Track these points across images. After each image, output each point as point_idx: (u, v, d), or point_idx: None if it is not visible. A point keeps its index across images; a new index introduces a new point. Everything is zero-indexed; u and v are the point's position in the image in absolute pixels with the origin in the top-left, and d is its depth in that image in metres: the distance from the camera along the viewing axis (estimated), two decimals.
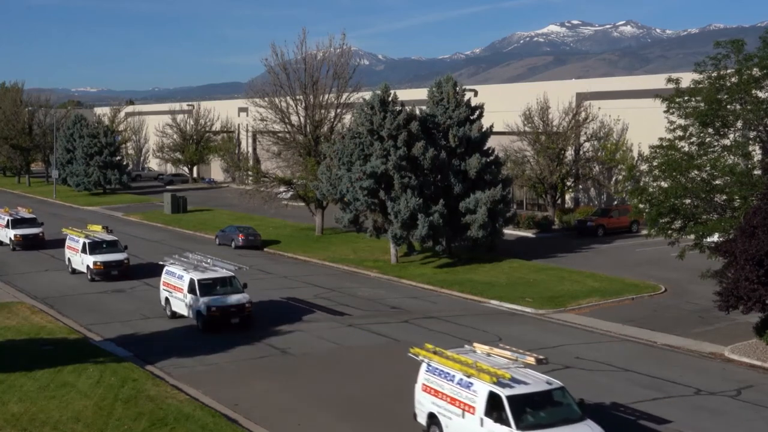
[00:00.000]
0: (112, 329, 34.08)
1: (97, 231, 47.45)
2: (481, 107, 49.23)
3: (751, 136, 35.82)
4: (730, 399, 25.05)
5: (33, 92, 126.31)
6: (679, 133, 35.83)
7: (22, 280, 44.76)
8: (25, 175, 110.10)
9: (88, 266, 44.19)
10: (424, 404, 21.97)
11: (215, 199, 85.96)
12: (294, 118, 60.88)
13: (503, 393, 19.40)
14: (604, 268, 45.10)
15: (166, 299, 36.04)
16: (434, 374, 21.71)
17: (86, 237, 45.50)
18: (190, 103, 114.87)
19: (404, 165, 45.24)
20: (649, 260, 47.10)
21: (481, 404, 19.85)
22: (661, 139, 36.48)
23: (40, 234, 55.53)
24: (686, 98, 35.90)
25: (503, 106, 63.28)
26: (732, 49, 34.97)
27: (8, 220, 56.02)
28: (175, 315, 35.36)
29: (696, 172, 34.79)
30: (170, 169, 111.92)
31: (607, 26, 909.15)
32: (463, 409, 20.38)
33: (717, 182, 34.36)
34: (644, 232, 42.86)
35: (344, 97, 60.36)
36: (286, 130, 61.71)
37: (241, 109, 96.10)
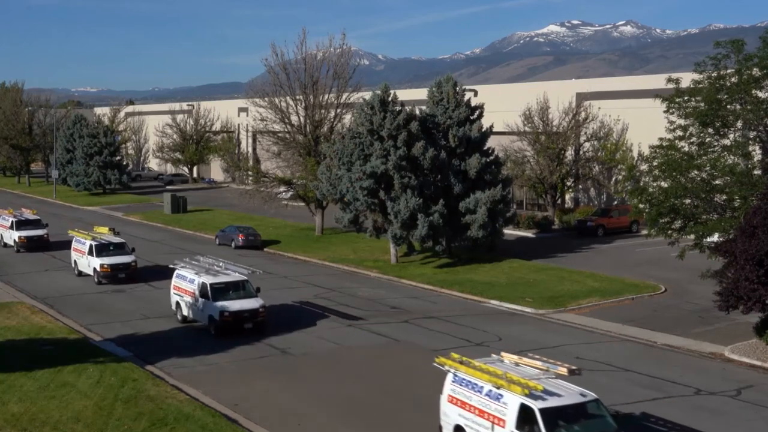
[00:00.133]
0: (112, 329, 34.07)
1: (104, 233, 46.77)
2: (481, 107, 49.24)
3: (751, 136, 35.82)
4: (730, 399, 25.05)
5: (33, 92, 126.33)
6: (679, 133, 35.84)
7: (22, 280, 44.75)
8: (25, 175, 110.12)
9: (94, 269, 43.41)
10: (450, 416, 21.08)
11: (215, 199, 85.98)
12: (294, 118, 60.90)
13: (536, 405, 18.52)
14: (604, 268, 45.11)
15: (177, 303, 35.27)
16: (461, 385, 20.74)
17: (93, 239, 44.74)
18: (190, 103, 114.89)
19: (404, 165, 45.24)
20: (649, 260, 47.11)
21: (511, 417, 18.94)
22: (661, 139, 36.48)
23: (45, 235, 54.70)
24: (686, 98, 35.90)
25: (503, 106, 63.29)
26: (732, 49, 34.98)
27: (12, 221, 55.29)
28: (186, 319, 34.62)
29: (696, 172, 34.80)
30: (170, 169, 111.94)
31: (607, 26, 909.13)
32: (493, 422, 19.51)
33: (717, 182, 34.36)
34: (644, 232, 42.86)
35: (344, 97, 60.38)
36: (286, 130, 61.73)
37: (241, 109, 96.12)
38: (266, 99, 61.02)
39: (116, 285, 42.87)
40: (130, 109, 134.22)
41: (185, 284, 34.70)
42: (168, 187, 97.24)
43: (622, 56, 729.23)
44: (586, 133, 62.55)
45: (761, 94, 34.85)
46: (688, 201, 34.91)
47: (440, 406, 21.44)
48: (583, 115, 62.10)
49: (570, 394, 19.29)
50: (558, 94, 62.76)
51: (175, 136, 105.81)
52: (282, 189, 65.51)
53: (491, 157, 48.78)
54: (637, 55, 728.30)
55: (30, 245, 54.00)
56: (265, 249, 55.15)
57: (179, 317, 35.09)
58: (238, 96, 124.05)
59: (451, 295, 40.82)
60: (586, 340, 32.06)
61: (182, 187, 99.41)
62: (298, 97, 60.70)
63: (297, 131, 60.91)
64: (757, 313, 29.43)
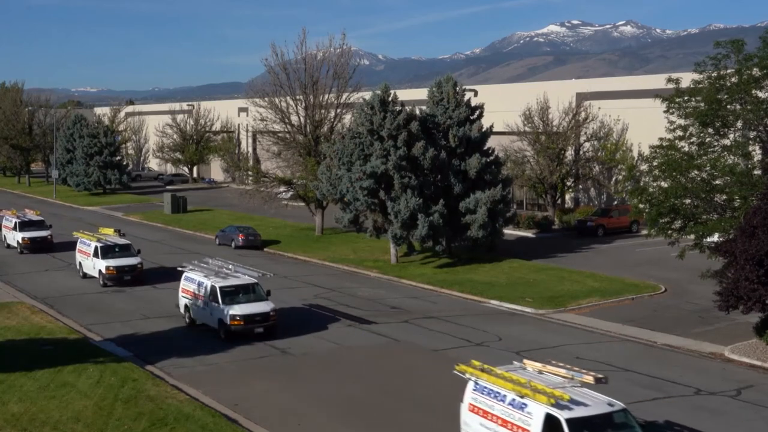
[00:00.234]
0: (112, 329, 34.07)
1: (110, 234, 46.00)
2: (481, 107, 49.24)
3: (751, 136, 35.82)
4: (730, 399, 25.05)
5: (33, 92, 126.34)
6: (679, 133, 35.84)
7: (22, 280, 44.74)
8: (25, 175, 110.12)
9: (100, 271, 42.81)
10: (471, 426, 20.45)
11: (215, 199, 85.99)
12: (294, 118, 60.90)
13: (562, 416, 17.77)
14: (604, 268, 45.11)
15: (186, 307, 34.57)
16: (482, 393, 20.03)
17: (98, 240, 44.00)
18: (190, 103, 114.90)
19: (404, 165, 45.25)
20: (649, 260, 47.11)
21: (536, 427, 18.26)
22: (661, 139, 36.48)
23: (49, 237, 54.02)
24: (686, 98, 35.90)
25: (503, 106, 63.29)
26: (732, 49, 34.98)
27: (16, 222, 54.57)
28: (194, 323, 34.00)
29: (696, 172, 34.80)
30: (170, 169, 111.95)
31: (607, 26, 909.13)
32: None
33: (717, 182, 34.36)
34: (644, 232, 42.86)
35: (344, 97, 60.38)
36: (286, 130, 61.73)
37: (241, 109, 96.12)
38: (266, 99, 61.02)
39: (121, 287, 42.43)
40: (130, 109, 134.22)
41: (194, 287, 33.97)
42: (168, 187, 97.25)
43: (622, 56, 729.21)
44: (586, 133, 62.55)
45: (761, 94, 34.85)
46: (688, 201, 34.91)
47: (461, 415, 20.72)
48: (583, 115, 62.10)
49: (597, 403, 18.59)
50: (558, 94, 62.76)
51: (175, 136, 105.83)
52: (282, 189, 65.51)
53: (491, 157, 48.79)
54: (637, 55, 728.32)
55: (33, 246, 53.34)
56: (265, 249, 55.16)
57: (187, 320, 34.41)
58: (238, 96, 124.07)
59: (451, 295, 40.82)
60: (586, 340, 32.06)
61: (182, 187, 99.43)
62: (298, 97, 60.71)
63: (297, 131, 60.91)
64: (757, 313, 29.43)
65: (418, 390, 26.15)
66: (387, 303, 38.96)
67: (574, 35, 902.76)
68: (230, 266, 34.86)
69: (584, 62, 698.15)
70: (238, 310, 31.72)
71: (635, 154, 51.60)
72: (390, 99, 46.70)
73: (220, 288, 32.42)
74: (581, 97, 63.81)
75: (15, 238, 54.25)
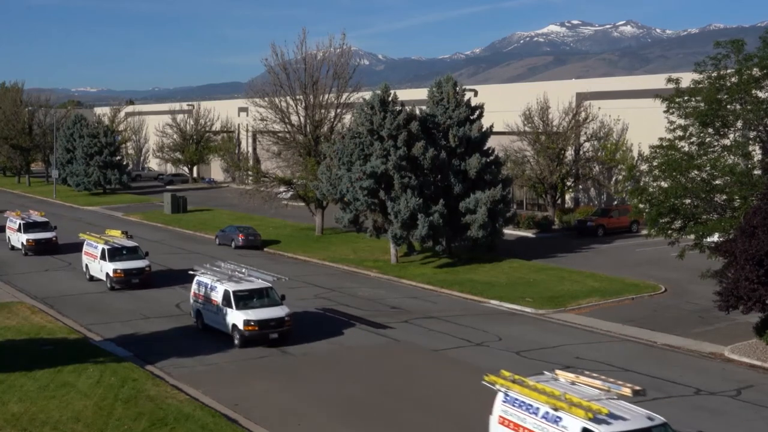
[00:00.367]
0: (112, 329, 34.06)
1: (117, 236, 45.04)
2: (481, 107, 49.24)
3: (751, 136, 35.83)
4: (730, 399, 25.05)
5: (33, 92, 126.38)
6: (679, 133, 35.85)
7: (22, 280, 44.73)
8: (25, 175, 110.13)
9: (107, 274, 41.87)
10: None
11: (215, 199, 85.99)
12: (294, 118, 60.91)
13: (600, 430, 17.02)
14: (604, 268, 45.11)
15: (198, 312, 33.79)
16: (513, 406, 19.11)
17: (105, 243, 42.99)
18: (190, 103, 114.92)
19: (404, 165, 45.25)
20: (649, 260, 47.11)
21: None
22: (661, 139, 36.49)
23: (53, 238, 53.27)
24: (686, 98, 35.91)
25: (503, 106, 63.30)
26: (732, 49, 34.99)
27: (20, 224, 53.62)
28: (207, 328, 33.08)
29: (696, 172, 34.81)
30: (170, 169, 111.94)
31: (607, 26, 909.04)
32: None
33: (717, 182, 34.37)
34: (644, 232, 42.86)
35: (344, 97, 60.38)
36: (286, 130, 61.74)
37: (241, 109, 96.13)
38: (266, 99, 61.03)
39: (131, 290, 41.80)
40: (130, 109, 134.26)
41: (206, 291, 33.15)
42: (168, 187, 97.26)
43: (622, 56, 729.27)
44: (586, 133, 62.56)
45: (761, 94, 34.86)
46: (688, 201, 34.92)
47: (489, 428, 19.93)
48: (583, 115, 62.11)
49: (636, 417, 17.69)
50: (558, 94, 62.76)
51: (175, 136, 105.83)
52: (282, 189, 65.54)
53: (491, 157, 48.79)
54: (637, 55, 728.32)
55: (38, 248, 52.52)
56: (265, 249, 55.16)
57: (200, 326, 33.63)
58: (238, 96, 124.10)
59: (451, 295, 40.83)
60: (586, 340, 32.06)
61: (182, 187, 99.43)
62: (298, 97, 60.72)
63: (297, 131, 60.92)
64: (757, 313, 29.44)
65: (418, 390, 26.16)
66: (387, 303, 38.96)
67: (574, 35, 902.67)
68: (243, 270, 34.06)
69: (584, 62, 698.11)
70: (252, 315, 30.86)
71: (635, 154, 51.61)
72: (390, 99, 46.71)
73: (234, 292, 31.62)
74: (581, 97, 63.81)
75: (19, 239, 53.46)
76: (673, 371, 27.64)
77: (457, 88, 48.73)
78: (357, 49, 78.93)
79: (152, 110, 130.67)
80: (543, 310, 36.83)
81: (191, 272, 35.39)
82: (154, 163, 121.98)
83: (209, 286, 33.02)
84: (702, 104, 35.09)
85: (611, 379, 19.05)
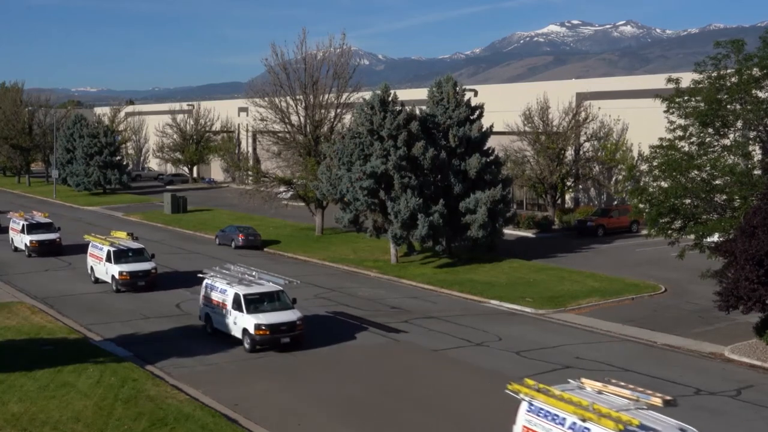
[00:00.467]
0: (112, 329, 34.05)
1: (122, 238, 44.28)
2: (481, 107, 49.25)
3: (751, 136, 35.83)
4: (730, 399, 25.05)
5: (33, 92, 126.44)
6: (679, 133, 35.86)
7: (22, 280, 44.71)
8: (25, 175, 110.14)
9: (113, 276, 41.31)
10: None
11: (215, 199, 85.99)
12: (294, 118, 60.91)
13: None
14: (604, 268, 45.12)
15: (207, 315, 33.05)
16: (538, 416, 18.32)
17: (111, 245, 42.40)
18: (190, 103, 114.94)
19: (404, 165, 45.25)
20: (649, 260, 47.12)
21: None
22: (661, 139, 36.49)
23: (57, 239, 52.61)
24: (686, 98, 35.92)
25: (503, 106, 63.30)
26: (732, 49, 34.99)
27: (24, 225, 52.93)
28: (217, 332, 32.37)
29: (696, 172, 34.81)
30: (170, 169, 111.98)
31: (607, 26, 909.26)
32: None
33: (717, 182, 34.37)
34: (644, 232, 42.86)
35: (344, 97, 60.39)
36: (286, 130, 61.75)
37: (241, 109, 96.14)
38: (266, 99, 61.03)
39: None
40: (130, 109, 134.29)
41: (216, 295, 32.44)
42: (168, 187, 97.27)
43: (622, 56, 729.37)
44: (586, 133, 62.57)
45: (761, 94, 34.87)
46: (688, 201, 34.93)
47: None
48: (583, 115, 62.13)
49: (668, 428, 16.97)
50: (558, 94, 62.77)
51: (175, 136, 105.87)
52: (282, 189, 65.54)
53: (491, 157, 48.79)
54: (637, 55, 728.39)
55: (42, 250, 51.84)
56: (265, 249, 55.15)
57: (209, 330, 32.88)
58: (238, 96, 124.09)
59: (451, 295, 40.83)
60: (586, 340, 32.06)
61: (182, 187, 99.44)
62: (298, 97, 60.72)
63: (297, 131, 60.92)
64: (757, 313, 29.44)
65: (418, 390, 26.16)
66: (387, 303, 38.96)
67: (574, 35, 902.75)
68: (254, 273, 33.47)
69: (584, 62, 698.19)
70: (263, 319, 30.22)
71: (635, 154, 51.62)
72: (390, 99, 46.71)
73: (244, 296, 30.94)
74: (581, 97, 63.83)
75: (23, 241, 52.75)
76: (673, 371, 27.64)
77: (457, 88, 48.74)
78: (357, 49, 79.00)
79: (152, 110, 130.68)
80: (543, 310, 36.82)
81: (200, 275, 34.69)
82: (154, 163, 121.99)
83: (219, 290, 32.38)
84: (702, 104, 35.10)
85: (640, 389, 18.29)
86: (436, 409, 24.49)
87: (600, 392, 18.43)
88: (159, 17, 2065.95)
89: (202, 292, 33.69)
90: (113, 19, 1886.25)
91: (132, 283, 41.15)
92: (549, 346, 30.74)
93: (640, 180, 37.76)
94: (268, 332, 30.06)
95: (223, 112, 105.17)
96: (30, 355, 29.14)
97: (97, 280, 43.26)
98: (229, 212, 73.48)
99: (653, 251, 48.32)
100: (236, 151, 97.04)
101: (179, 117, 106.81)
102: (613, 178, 62.45)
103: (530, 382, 18.89)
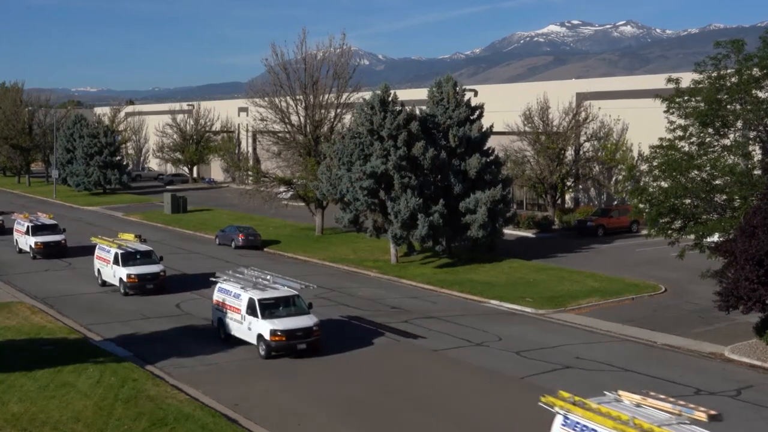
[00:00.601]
0: (112, 329, 34.06)
1: (130, 240, 43.57)
2: (481, 107, 49.25)
3: (751, 136, 35.85)
4: (730, 399, 25.04)
5: (33, 92, 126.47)
6: (679, 133, 35.86)
7: (23, 280, 44.72)
8: (25, 175, 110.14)
9: (120, 279, 40.54)
10: None
11: (215, 199, 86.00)
12: (294, 118, 60.93)
13: None
14: (604, 268, 45.12)
15: (220, 320, 32.14)
16: (574, 430, 17.36)
17: (118, 247, 41.62)
18: (190, 103, 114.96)
19: (404, 165, 45.26)
20: (649, 260, 47.12)
21: None
22: (661, 139, 36.49)
23: (62, 241, 52.06)
24: (686, 98, 35.92)
25: (503, 106, 63.30)
26: (732, 49, 35.00)
27: (28, 226, 52.20)
28: (230, 338, 31.46)
29: (696, 172, 34.82)
30: (170, 169, 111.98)
31: (607, 26, 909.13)
32: None
33: (717, 182, 34.38)
34: (644, 232, 42.86)
35: (344, 97, 60.40)
36: (286, 130, 61.76)
37: (241, 109, 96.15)
38: (266, 99, 61.04)
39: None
40: (130, 109, 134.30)
41: (230, 299, 31.55)
42: (168, 187, 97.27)
43: (622, 56, 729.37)
44: (586, 133, 62.57)
45: (761, 94, 34.87)
46: (688, 201, 34.93)
47: None
48: (583, 115, 62.13)
49: None
50: (558, 94, 62.77)
51: (175, 136, 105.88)
52: (282, 189, 65.54)
53: (491, 157, 48.80)
54: (637, 55, 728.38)
55: (47, 251, 51.19)
56: (265, 249, 55.16)
57: (222, 335, 31.99)
58: (238, 96, 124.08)
59: (451, 295, 40.83)
60: (586, 340, 32.06)
61: (182, 187, 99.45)
62: (298, 97, 60.73)
63: (297, 131, 60.93)
64: (757, 313, 29.44)
65: (418, 390, 26.16)
66: (387, 303, 38.96)
67: (574, 35, 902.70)
68: (268, 277, 32.58)
69: (584, 62, 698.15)
70: (279, 324, 29.33)
71: (635, 154, 51.62)
72: (390, 99, 46.71)
73: (259, 300, 30.03)
74: (581, 97, 63.83)
75: (27, 242, 52.13)
76: (673, 371, 27.64)
77: (457, 88, 48.74)
78: (357, 49, 79.02)
79: (152, 110, 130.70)
80: (543, 310, 36.83)
81: (212, 279, 34.06)
82: (154, 163, 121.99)
83: (233, 294, 31.56)
84: (702, 104, 35.10)
85: (681, 402, 17.28)
86: (436, 409, 24.49)
87: (638, 405, 17.43)
88: (159, 17, 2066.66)
89: (214, 297, 32.93)
90: (113, 19, 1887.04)
91: (140, 286, 40.36)
92: (549, 346, 30.74)
93: (640, 180, 37.76)
94: (284, 338, 29.22)
95: (223, 112, 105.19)
96: (30, 355, 29.15)
97: (104, 283, 42.49)
98: (229, 212, 73.50)
99: (653, 251, 48.33)
100: (236, 151, 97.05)
101: (179, 117, 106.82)
102: (613, 178, 62.44)
103: (565, 394, 17.95)
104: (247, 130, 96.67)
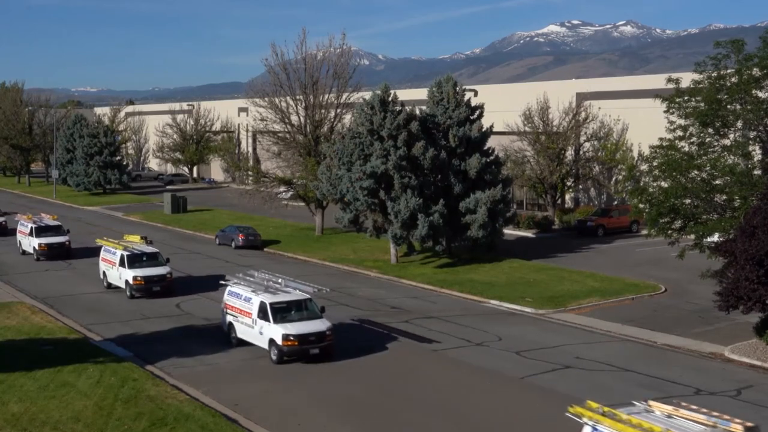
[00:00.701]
0: (112, 329, 34.06)
1: (136, 242, 43.03)
2: (481, 107, 49.25)
3: (751, 136, 35.84)
4: (730, 399, 25.04)
5: (33, 92, 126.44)
6: (679, 133, 35.86)
7: (23, 280, 44.72)
8: (25, 175, 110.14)
9: (126, 281, 39.89)
10: None
11: (215, 199, 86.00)
12: (294, 118, 60.93)
13: None
14: (604, 268, 45.11)
15: (230, 324, 31.52)
16: None
17: (124, 249, 41.09)
18: (190, 103, 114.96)
19: (404, 165, 45.26)
20: (649, 260, 47.11)
21: None
22: (661, 139, 36.49)
23: (67, 243, 51.35)
24: (686, 98, 35.92)
25: (503, 106, 63.31)
26: (732, 49, 35.00)
27: (32, 227, 51.60)
28: (241, 342, 30.86)
29: (696, 172, 34.82)
30: (170, 169, 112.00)
31: (607, 26, 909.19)
32: None
33: (717, 182, 34.37)
34: (644, 232, 42.87)
35: (344, 97, 60.40)
36: (286, 130, 61.76)
37: (241, 109, 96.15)
38: (266, 99, 61.04)
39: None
40: (130, 109, 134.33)
41: (240, 303, 31.02)
42: (168, 187, 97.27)
43: (622, 56, 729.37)
44: (586, 133, 62.58)
45: (761, 94, 34.87)
46: (688, 201, 34.93)
47: None
48: (583, 115, 62.13)
49: None
50: (558, 94, 62.78)
51: (175, 136, 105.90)
52: (282, 189, 65.54)
53: (491, 157, 48.80)
54: (637, 55, 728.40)
55: (50, 253, 50.46)
56: (265, 249, 55.16)
57: (233, 340, 31.32)
58: (238, 96, 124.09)
59: (451, 295, 40.83)
60: (586, 340, 32.06)
61: (182, 187, 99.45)
62: (298, 97, 60.74)
63: (297, 131, 60.94)
64: (757, 313, 29.44)
65: (418, 390, 26.16)
66: (387, 303, 38.96)
67: (574, 35, 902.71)
68: (279, 280, 32.04)
69: (584, 62, 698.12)
70: (291, 329, 28.70)
71: (635, 154, 51.63)
72: (390, 99, 46.72)
73: (271, 304, 29.45)
74: (581, 97, 63.83)
75: (31, 244, 51.47)
76: (673, 371, 27.64)
77: (457, 88, 48.74)
78: (357, 49, 79.05)
79: (152, 110, 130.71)
80: (543, 310, 36.82)
81: (222, 282, 33.71)
82: (154, 163, 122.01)
83: (243, 298, 31.04)
84: (702, 104, 35.10)
85: (715, 413, 16.64)
86: (436, 409, 24.48)
87: (670, 416, 16.75)
88: (159, 17, 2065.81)
89: (225, 300, 32.39)
90: (113, 19, 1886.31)
91: (147, 288, 39.76)
92: (549, 346, 30.74)
93: (640, 180, 37.76)
94: (296, 343, 28.57)
95: (223, 112, 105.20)
96: (30, 355, 29.14)
97: (110, 286, 41.91)
98: (229, 212, 73.50)
99: (653, 251, 48.33)
100: (236, 151, 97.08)
101: (179, 117, 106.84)
102: (613, 178, 62.45)
103: (593, 404, 17.23)
104: (247, 130, 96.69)
